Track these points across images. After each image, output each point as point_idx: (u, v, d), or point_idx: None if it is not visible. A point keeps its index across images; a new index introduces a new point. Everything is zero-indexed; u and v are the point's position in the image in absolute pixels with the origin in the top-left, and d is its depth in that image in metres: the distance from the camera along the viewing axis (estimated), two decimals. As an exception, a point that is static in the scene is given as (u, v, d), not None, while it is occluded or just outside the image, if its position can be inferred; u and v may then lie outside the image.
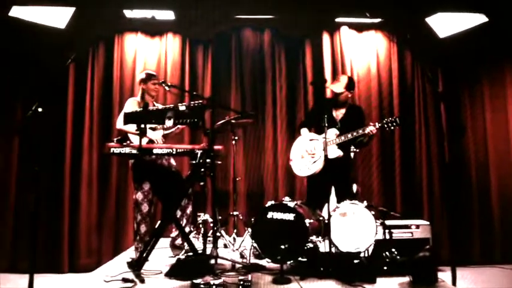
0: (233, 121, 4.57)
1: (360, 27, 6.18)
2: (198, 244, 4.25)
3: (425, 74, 5.85)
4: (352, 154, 4.95)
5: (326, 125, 3.84)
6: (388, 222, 5.12)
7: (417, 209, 5.81)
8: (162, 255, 4.42)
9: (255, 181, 6.01)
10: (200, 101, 3.81)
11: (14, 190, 5.64)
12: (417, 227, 5.17)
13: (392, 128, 4.36)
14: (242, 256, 4.21)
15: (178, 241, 4.47)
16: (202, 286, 3.16)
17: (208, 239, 3.92)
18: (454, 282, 3.51)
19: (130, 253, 4.61)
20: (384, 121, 4.40)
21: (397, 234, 5.11)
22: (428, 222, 5.22)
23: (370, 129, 4.37)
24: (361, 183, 5.80)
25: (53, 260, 5.55)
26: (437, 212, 5.80)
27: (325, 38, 6.08)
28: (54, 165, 5.69)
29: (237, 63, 6.14)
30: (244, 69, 6.15)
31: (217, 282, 3.20)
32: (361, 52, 6.16)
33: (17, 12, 5.00)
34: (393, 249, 3.89)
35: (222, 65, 6.14)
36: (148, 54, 6.07)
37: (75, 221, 5.65)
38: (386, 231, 4.15)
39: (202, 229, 4.38)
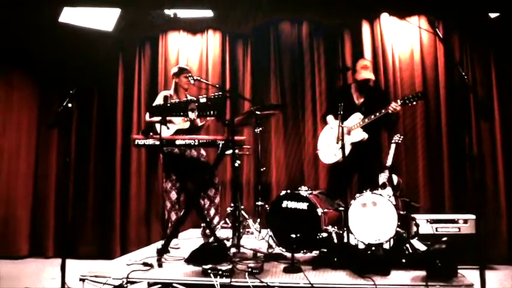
0: (258, 112, 4.60)
1: (401, 14, 5.88)
2: (229, 233, 4.32)
3: (455, 64, 5.42)
4: (393, 146, 4.79)
5: (341, 113, 3.77)
6: (434, 217, 4.94)
7: (468, 203, 5.41)
8: (196, 244, 4.56)
9: (296, 172, 6.00)
10: (220, 93, 3.91)
11: (72, 183, 6.08)
12: (465, 221, 4.89)
13: (414, 103, 4.34)
14: (269, 246, 4.23)
15: (210, 230, 4.60)
16: (209, 271, 3.25)
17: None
18: (482, 283, 3.03)
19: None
20: (406, 97, 4.38)
21: (443, 229, 4.89)
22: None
23: (393, 106, 4.34)
24: (405, 174, 5.55)
25: (107, 248, 6.01)
26: (491, 207, 5.39)
27: (365, 27, 5.88)
28: (107, 159, 6.16)
29: (276, 56, 6.16)
30: (283, 61, 6.15)
31: (224, 268, 3.25)
32: (404, 40, 5.86)
33: (66, 18, 5.40)
34: (414, 241, 3.70)
35: (261, 59, 6.19)
36: (191, 51, 6.28)
37: (126, 212, 6.07)
38: (412, 222, 3.97)
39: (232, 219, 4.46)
